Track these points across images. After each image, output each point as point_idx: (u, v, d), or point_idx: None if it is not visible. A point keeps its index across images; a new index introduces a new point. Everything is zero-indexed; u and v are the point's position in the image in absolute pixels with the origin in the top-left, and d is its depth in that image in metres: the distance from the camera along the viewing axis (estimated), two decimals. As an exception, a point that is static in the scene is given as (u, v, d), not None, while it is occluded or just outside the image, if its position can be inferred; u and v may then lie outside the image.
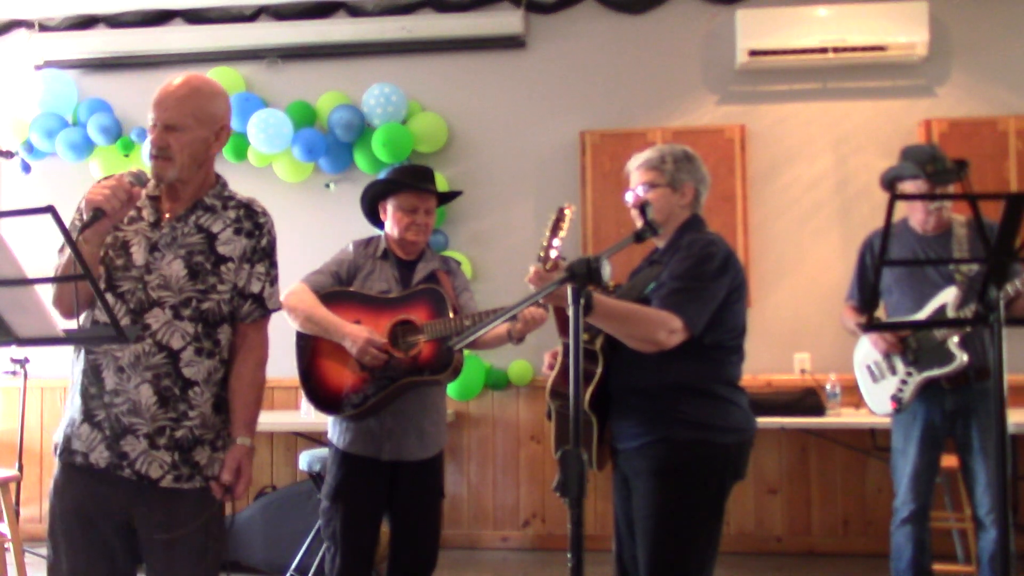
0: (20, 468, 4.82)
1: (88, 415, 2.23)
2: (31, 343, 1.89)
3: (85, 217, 2.14)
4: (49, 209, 1.77)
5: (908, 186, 3.47)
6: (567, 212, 2.33)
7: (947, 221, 3.51)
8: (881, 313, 3.70)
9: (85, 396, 2.24)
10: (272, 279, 2.39)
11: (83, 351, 2.25)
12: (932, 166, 3.40)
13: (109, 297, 2.22)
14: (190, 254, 2.26)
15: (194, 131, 2.24)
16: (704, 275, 2.46)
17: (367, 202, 3.24)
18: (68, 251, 2.21)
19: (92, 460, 2.22)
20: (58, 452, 2.29)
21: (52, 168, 5.54)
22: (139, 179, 2.21)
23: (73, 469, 2.25)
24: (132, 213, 2.28)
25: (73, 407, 2.27)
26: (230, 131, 2.36)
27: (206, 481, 2.28)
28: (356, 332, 2.96)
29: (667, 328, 2.38)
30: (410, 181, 3.15)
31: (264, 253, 2.36)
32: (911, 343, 3.46)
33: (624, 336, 2.42)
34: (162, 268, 2.24)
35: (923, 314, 3.41)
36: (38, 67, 5.55)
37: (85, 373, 2.24)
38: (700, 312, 2.43)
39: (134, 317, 2.22)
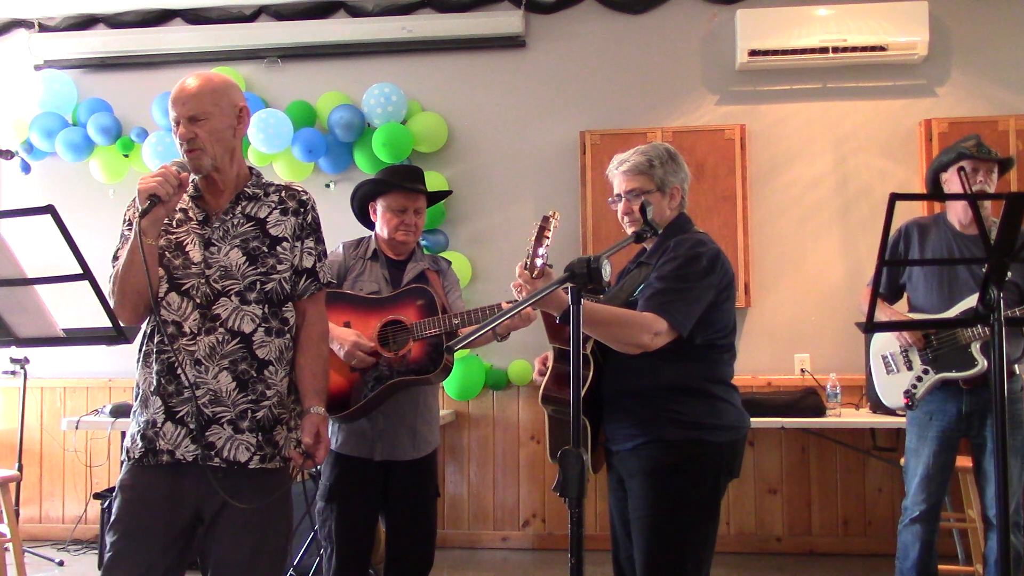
0: (20, 468, 4.82)
1: (170, 413, 2.27)
2: (31, 343, 1.89)
3: (140, 208, 2.19)
4: (49, 209, 1.78)
5: (951, 173, 3.45)
6: (552, 220, 2.33)
7: (986, 221, 3.48)
8: (903, 305, 3.68)
9: (164, 396, 2.28)
10: (321, 253, 2.47)
11: (155, 354, 2.30)
12: (977, 148, 3.39)
13: (174, 296, 2.29)
14: (245, 242, 2.34)
15: (216, 118, 2.31)
16: (691, 276, 2.45)
17: (357, 203, 3.24)
18: (122, 258, 2.28)
19: (179, 456, 2.26)
20: (134, 456, 2.30)
21: (52, 168, 5.54)
22: (184, 166, 2.28)
23: (153, 469, 2.27)
24: (179, 215, 2.36)
25: (151, 410, 2.30)
26: (249, 112, 2.43)
27: (284, 461, 2.35)
28: (344, 335, 2.97)
29: (651, 331, 2.37)
30: (399, 181, 3.15)
31: (311, 228, 2.45)
32: (932, 342, 3.43)
33: (609, 340, 2.42)
34: (221, 260, 2.32)
35: (950, 315, 3.37)
36: (38, 67, 5.55)
37: (160, 374, 2.28)
38: (686, 313, 2.42)
39: (202, 311, 2.28)
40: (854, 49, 4.86)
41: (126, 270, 2.25)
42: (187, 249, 2.32)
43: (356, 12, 5.41)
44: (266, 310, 2.33)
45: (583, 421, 2.46)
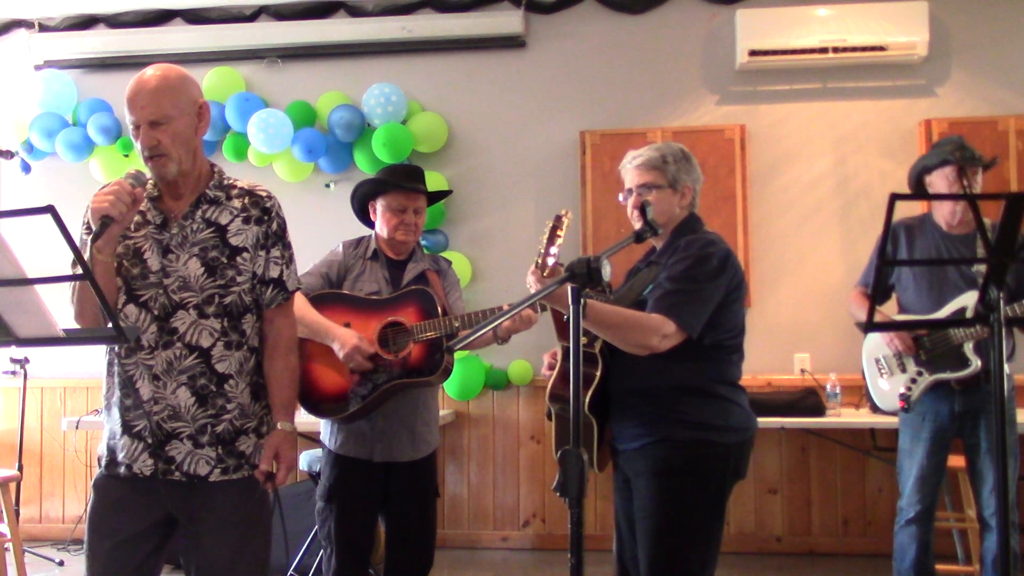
0: (20, 468, 4.82)
1: (127, 427, 2.25)
2: (31, 343, 1.89)
3: (93, 228, 2.12)
4: (49, 209, 1.77)
5: (936, 176, 3.46)
6: (564, 219, 2.31)
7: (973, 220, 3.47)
8: (893, 307, 3.68)
9: (122, 408, 2.26)
10: (288, 260, 2.40)
11: (116, 364, 2.27)
12: (960, 152, 3.39)
13: (132, 308, 2.25)
14: (204, 250, 2.27)
15: (178, 120, 2.23)
16: (701, 276, 2.45)
17: (357, 202, 3.23)
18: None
19: (136, 470, 2.24)
20: (102, 464, 2.31)
21: (52, 168, 5.54)
22: (139, 180, 2.20)
23: (118, 479, 2.27)
24: (137, 218, 2.29)
25: (112, 420, 2.29)
26: (208, 108, 2.35)
27: (253, 469, 2.32)
28: (345, 337, 2.94)
29: (660, 333, 2.37)
30: (398, 181, 3.14)
31: (277, 237, 2.37)
32: (925, 343, 3.43)
33: (617, 342, 2.42)
34: (179, 269, 2.25)
35: (941, 315, 3.38)
36: (38, 67, 5.55)
37: (119, 386, 2.26)
38: (696, 314, 2.42)
39: (160, 324, 2.23)
40: (854, 49, 4.86)
41: (83, 288, 2.19)
42: (145, 256, 2.26)
43: (356, 12, 5.41)
44: (225, 324, 2.27)
45: (590, 419, 2.47)
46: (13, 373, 5.24)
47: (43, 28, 5.61)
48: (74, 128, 5.39)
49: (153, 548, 2.29)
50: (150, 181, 2.31)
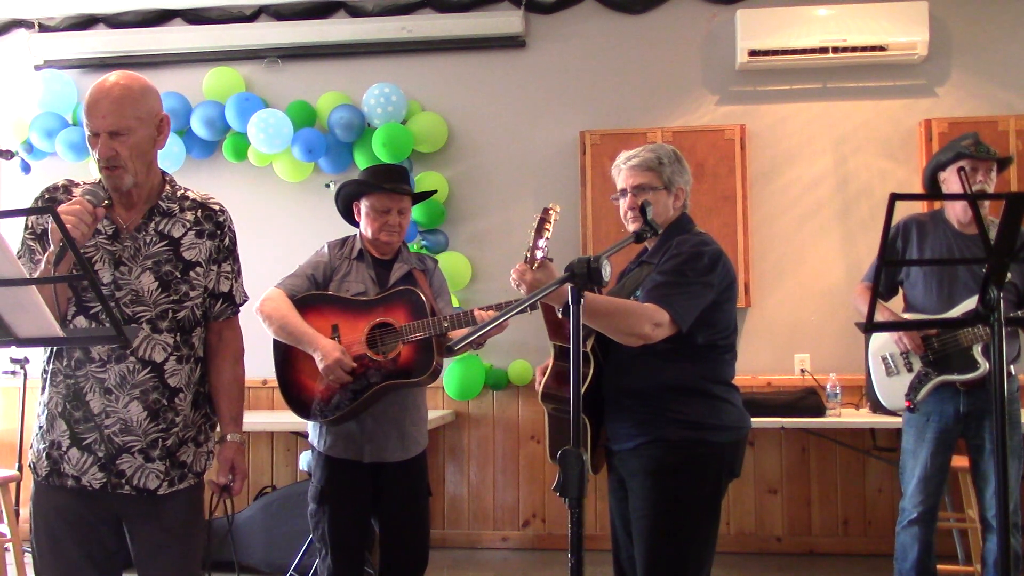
0: (20, 468, 4.82)
1: (76, 439, 2.21)
2: (31, 343, 1.89)
3: (53, 246, 2.06)
4: (50, 209, 1.77)
5: (950, 172, 3.45)
6: (552, 212, 2.33)
7: (984, 220, 3.46)
8: (899, 303, 3.66)
9: (69, 420, 2.22)
10: (237, 273, 2.41)
11: (63, 375, 2.23)
12: (975, 146, 3.39)
13: (82, 320, 2.21)
14: (158, 264, 2.25)
15: (138, 132, 2.19)
16: (692, 272, 2.46)
17: (341, 202, 3.22)
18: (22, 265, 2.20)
19: (85, 483, 2.22)
20: (42, 474, 2.26)
21: (52, 168, 5.52)
22: (97, 197, 2.13)
23: (58, 489, 2.24)
24: None
25: (55, 431, 2.24)
26: (168, 121, 2.31)
27: (196, 477, 2.31)
28: (328, 349, 2.92)
29: (652, 321, 2.37)
30: (381, 182, 3.12)
31: (228, 251, 2.37)
32: (933, 343, 3.42)
33: (610, 331, 2.41)
34: (132, 283, 2.22)
35: (947, 317, 3.36)
36: (38, 67, 5.55)
37: (67, 398, 2.22)
38: (687, 307, 2.42)
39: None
40: (854, 49, 4.86)
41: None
42: (96, 268, 2.21)
43: (356, 12, 5.41)
44: (178, 338, 2.26)
45: (583, 420, 2.47)
46: (13, 373, 5.22)
47: (43, 28, 5.61)
48: (74, 128, 5.38)
49: (113, 550, 2.29)
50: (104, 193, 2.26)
